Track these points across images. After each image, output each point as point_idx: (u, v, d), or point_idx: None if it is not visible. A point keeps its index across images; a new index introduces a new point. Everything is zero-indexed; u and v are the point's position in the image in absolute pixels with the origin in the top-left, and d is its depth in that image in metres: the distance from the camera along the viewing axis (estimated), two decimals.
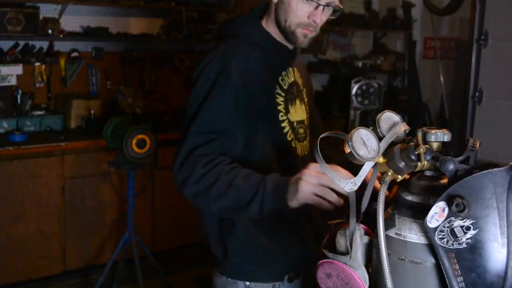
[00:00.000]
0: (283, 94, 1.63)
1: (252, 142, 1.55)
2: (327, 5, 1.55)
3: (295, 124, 1.65)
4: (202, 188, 1.42)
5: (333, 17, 1.60)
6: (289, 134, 1.63)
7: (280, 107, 1.61)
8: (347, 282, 1.07)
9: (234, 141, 1.50)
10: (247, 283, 1.63)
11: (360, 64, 5.47)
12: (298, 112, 1.68)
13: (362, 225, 1.10)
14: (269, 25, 1.64)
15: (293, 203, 1.33)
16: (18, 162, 3.57)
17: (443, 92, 4.98)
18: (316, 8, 1.54)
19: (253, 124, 1.55)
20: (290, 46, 1.66)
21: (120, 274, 3.60)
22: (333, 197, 1.29)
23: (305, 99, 1.75)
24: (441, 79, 4.98)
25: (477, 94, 3.63)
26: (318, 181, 1.28)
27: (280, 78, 1.64)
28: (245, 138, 1.54)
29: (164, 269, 3.64)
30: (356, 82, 4.96)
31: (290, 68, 1.69)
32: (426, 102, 5.52)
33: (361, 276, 1.05)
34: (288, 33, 1.59)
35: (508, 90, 3.52)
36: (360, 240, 1.08)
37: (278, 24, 1.60)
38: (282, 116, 1.61)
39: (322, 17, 1.56)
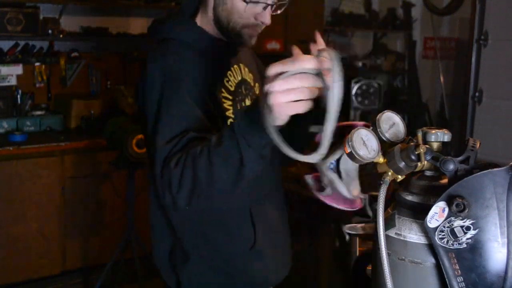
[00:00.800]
0: (230, 97, 1.46)
1: None
2: (274, 3, 1.42)
3: None
4: (189, 186, 1.20)
5: (279, 11, 1.46)
6: None
7: (229, 113, 1.44)
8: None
9: (206, 129, 1.31)
10: None
11: (360, 64, 5.47)
12: None
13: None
14: (204, 23, 1.48)
15: (278, 122, 1.05)
16: (18, 162, 3.57)
17: (443, 92, 4.98)
18: (265, 8, 1.41)
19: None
20: (217, 36, 1.49)
21: (120, 274, 3.60)
22: (309, 94, 1.04)
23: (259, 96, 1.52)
24: (441, 79, 4.98)
25: (477, 94, 3.63)
26: (287, 87, 1.02)
27: (226, 79, 1.47)
28: None
29: None
30: (356, 82, 4.96)
31: (236, 66, 1.52)
32: (426, 102, 5.53)
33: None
34: (232, 34, 1.44)
35: (508, 90, 3.52)
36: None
37: (219, 25, 1.45)
38: (231, 122, 1.42)
39: (269, 15, 1.43)
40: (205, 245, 1.48)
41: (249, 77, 1.57)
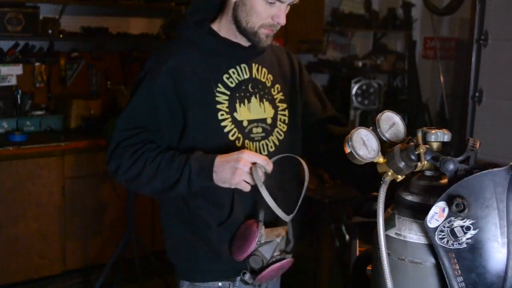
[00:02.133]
0: (228, 93, 1.57)
1: (188, 140, 1.55)
2: (289, 4, 1.53)
3: (244, 123, 1.59)
4: (131, 176, 1.51)
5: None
6: (232, 133, 1.56)
7: (221, 106, 1.56)
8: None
9: (158, 137, 1.55)
10: (187, 283, 1.65)
11: (360, 64, 5.47)
12: (254, 111, 1.61)
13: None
14: (223, 23, 1.59)
15: (224, 185, 1.46)
16: (18, 162, 3.57)
17: (443, 92, 4.97)
18: (280, 9, 1.51)
19: (189, 124, 1.55)
20: (245, 43, 1.60)
21: (120, 274, 3.60)
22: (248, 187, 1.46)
23: (275, 96, 1.66)
24: (441, 79, 4.98)
25: (477, 94, 3.63)
26: (250, 171, 1.42)
27: (226, 76, 1.58)
28: (177, 135, 1.56)
29: (164, 269, 3.64)
30: (356, 82, 4.95)
31: (245, 65, 1.62)
32: (426, 102, 5.52)
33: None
34: (249, 34, 1.55)
35: (508, 90, 3.51)
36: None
37: (237, 24, 1.55)
38: (222, 115, 1.56)
39: (284, 16, 1.53)
40: (184, 213, 1.62)
41: (265, 77, 1.65)
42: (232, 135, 1.57)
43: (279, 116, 1.65)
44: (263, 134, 1.61)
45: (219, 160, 1.45)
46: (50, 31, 4.01)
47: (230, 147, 1.54)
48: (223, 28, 1.59)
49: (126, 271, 3.64)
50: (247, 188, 1.44)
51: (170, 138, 1.56)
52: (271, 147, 1.62)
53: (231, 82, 1.59)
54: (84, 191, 3.81)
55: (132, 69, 4.49)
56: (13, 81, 3.90)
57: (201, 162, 1.46)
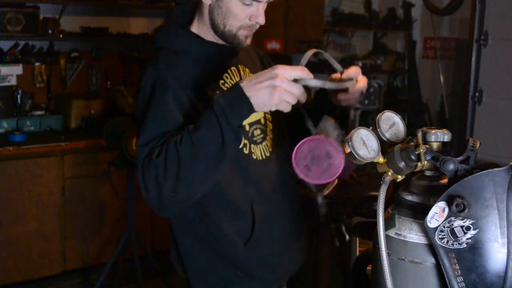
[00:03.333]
0: None
1: None
2: (267, 2, 1.46)
3: (246, 127, 1.51)
4: (173, 173, 1.25)
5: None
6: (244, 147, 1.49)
7: None
8: (328, 155, 1.24)
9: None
10: None
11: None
12: None
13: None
14: (201, 27, 1.52)
15: (264, 109, 1.27)
16: (18, 162, 3.57)
17: (443, 92, 4.98)
18: (258, 8, 1.45)
19: None
20: (216, 41, 1.53)
21: (120, 274, 3.60)
22: (294, 100, 1.27)
23: None
24: (441, 79, 4.98)
25: (477, 94, 3.63)
26: (289, 88, 1.24)
27: (222, 82, 1.50)
28: None
29: (164, 269, 3.64)
30: None
31: (234, 68, 1.55)
32: (426, 102, 5.53)
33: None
34: (228, 37, 1.48)
35: (508, 90, 3.52)
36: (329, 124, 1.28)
37: (215, 28, 1.48)
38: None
39: (263, 15, 1.47)
40: (206, 237, 1.51)
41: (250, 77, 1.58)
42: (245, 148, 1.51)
43: (265, 115, 1.60)
44: (262, 136, 1.56)
45: (248, 83, 1.26)
46: (50, 31, 4.01)
47: (240, 156, 1.48)
48: (202, 31, 1.52)
49: (126, 271, 3.64)
50: (288, 108, 1.26)
51: None
52: (270, 147, 1.58)
53: (226, 87, 1.51)
54: (84, 191, 3.81)
55: (132, 69, 4.49)
56: (13, 81, 3.90)
57: (227, 96, 1.27)
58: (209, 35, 1.51)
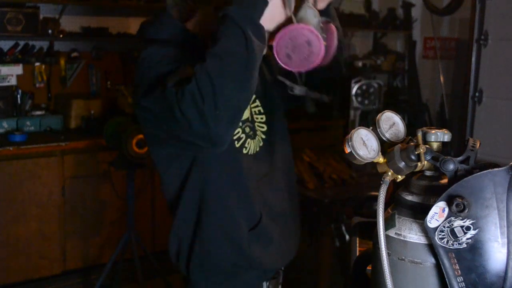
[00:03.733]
0: None
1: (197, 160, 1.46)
2: None
3: (241, 125, 1.50)
4: (209, 91, 1.20)
5: None
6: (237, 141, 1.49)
7: None
8: (308, 42, 1.28)
9: None
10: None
11: (360, 64, 5.47)
12: None
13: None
14: (199, 23, 1.50)
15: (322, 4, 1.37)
16: (18, 162, 3.57)
17: (443, 92, 4.98)
18: None
19: None
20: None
21: (120, 274, 3.61)
22: None
23: None
24: (441, 79, 4.98)
25: (477, 94, 3.63)
26: None
27: None
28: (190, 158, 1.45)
29: (164, 269, 3.64)
30: (356, 82, 4.95)
31: None
32: (426, 102, 5.53)
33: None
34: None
35: (508, 90, 3.51)
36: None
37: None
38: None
39: None
40: (210, 225, 1.50)
41: None
42: (237, 143, 1.50)
43: (252, 110, 1.57)
44: (252, 132, 1.55)
45: None
46: (50, 31, 4.01)
47: (235, 151, 1.49)
48: (198, 27, 1.50)
49: (126, 271, 3.64)
50: None
51: None
52: (261, 142, 1.58)
53: None
54: (84, 191, 3.81)
55: (132, 69, 4.49)
56: (13, 81, 3.90)
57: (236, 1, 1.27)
58: (204, 32, 1.49)
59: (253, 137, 1.55)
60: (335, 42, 1.43)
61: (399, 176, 0.99)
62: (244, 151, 1.52)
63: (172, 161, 1.50)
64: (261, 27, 1.26)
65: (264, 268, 1.57)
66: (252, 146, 1.55)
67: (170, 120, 1.27)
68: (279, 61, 1.30)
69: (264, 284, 1.58)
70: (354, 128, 1.00)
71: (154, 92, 1.30)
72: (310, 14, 1.33)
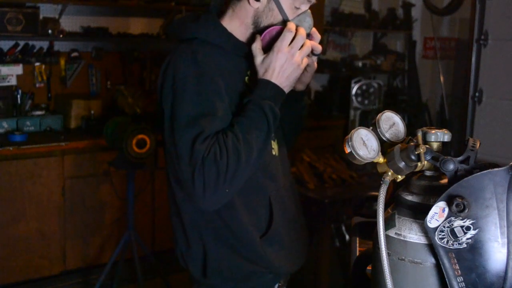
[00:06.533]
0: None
1: None
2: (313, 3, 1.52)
3: None
4: (233, 171, 1.33)
5: None
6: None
7: None
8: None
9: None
10: None
11: (360, 64, 5.47)
12: None
13: None
14: (235, 26, 1.52)
15: (301, 86, 1.56)
16: (18, 162, 3.57)
17: (443, 92, 4.98)
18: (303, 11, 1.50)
19: None
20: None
21: (120, 274, 3.60)
22: (310, 47, 1.48)
23: None
24: (441, 79, 4.98)
25: (477, 94, 3.63)
26: (293, 52, 1.43)
27: (247, 78, 1.53)
28: None
29: (164, 269, 3.64)
30: (356, 82, 4.96)
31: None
32: (426, 102, 5.53)
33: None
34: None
35: (508, 90, 3.51)
36: None
37: (258, 30, 1.49)
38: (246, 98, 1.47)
39: None
40: (224, 232, 1.51)
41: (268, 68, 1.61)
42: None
43: None
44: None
45: (277, 77, 1.43)
46: (50, 31, 4.01)
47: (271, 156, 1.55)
48: (235, 30, 1.51)
49: (126, 271, 3.64)
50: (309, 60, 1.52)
51: None
52: (277, 144, 1.61)
53: (252, 85, 1.52)
54: (84, 191, 3.81)
55: (132, 69, 4.49)
56: (13, 81, 3.90)
57: (268, 95, 1.42)
58: (239, 34, 1.52)
59: (273, 138, 1.57)
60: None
61: (399, 176, 0.99)
62: (273, 152, 1.56)
63: None
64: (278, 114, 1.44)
65: (279, 271, 1.58)
66: (276, 148, 1.58)
67: (179, 168, 1.37)
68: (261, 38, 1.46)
69: (276, 286, 1.60)
70: (354, 128, 1.00)
71: (184, 134, 1.36)
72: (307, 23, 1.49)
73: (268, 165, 1.53)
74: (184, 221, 1.55)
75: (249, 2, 1.47)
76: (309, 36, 1.49)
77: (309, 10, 1.49)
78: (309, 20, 1.49)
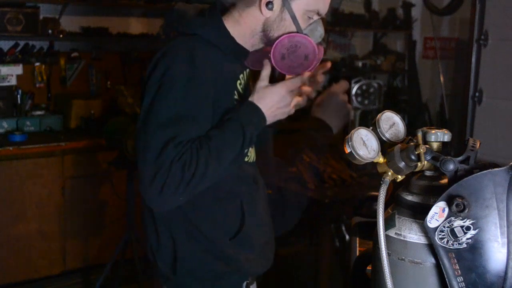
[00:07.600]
0: (240, 100, 1.52)
1: None
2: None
3: None
4: (195, 183, 1.33)
5: None
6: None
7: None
8: (305, 57, 1.44)
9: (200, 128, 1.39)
10: None
11: (360, 64, 5.47)
12: None
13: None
14: (238, 30, 1.50)
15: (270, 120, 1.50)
16: (18, 162, 3.57)
17: (443, 92, 4.98)
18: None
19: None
20: (250, 48, 1.54)
21: (120, 274, 3.60)
22: (303, 95, 1.57)
23: None
24: (441, 79, 4.98)
25: (477, 94, 3.63)
26: (287, 99, 1.48)
27: (238, 82, 1.53)
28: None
29: None
30: (356, 82, 4.95)
31: (245, 71, 1.58)
32: (426, 102, 5.53)
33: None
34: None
35: (508, 90, 3.52)
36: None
37: (268, 39, 1.48)
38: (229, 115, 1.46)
39: None
40: (194, 232, 1.51)
41: (251, 81, 1.63)
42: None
43: None
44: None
45: (268, 110, 1.46)
46: (50, 31, 4.01)
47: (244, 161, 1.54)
48: (239, 35, 1.50)
49: (126, 271, 3.64)
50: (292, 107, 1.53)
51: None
52: (253, 151, 1.61)
53: (242, 89, 1.54)
54: (84, 191, 3.81)
55: (132, 69, 4.49)
56: (13, 81, 3.90)
57: (251, 121, 1.43)
58: (241, 39, 1.50)
59: (252, 145, 1.56)
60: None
61: (399, 176, 0.99)
62: (246, 159, 1.55)
63: None
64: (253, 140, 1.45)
65: (248, 273, 1.58)
66: (252, 155, 1.59)
67: (143, 161, 1.35)
68: (272, 57, 1.43)
69: (244, 284, 1.60)
70: (354, 128, 1.00)
71: (158, 131, 1.34)
72: (318, 32, 1.49)
73: (243, 171, 1.54)
74: (155, 217, 1.56)
75: (261, 11, 1.45)
76: (319, 44, 1.50)
77: (320, 20, 1.49)
78: (320, 29, 1.49)
